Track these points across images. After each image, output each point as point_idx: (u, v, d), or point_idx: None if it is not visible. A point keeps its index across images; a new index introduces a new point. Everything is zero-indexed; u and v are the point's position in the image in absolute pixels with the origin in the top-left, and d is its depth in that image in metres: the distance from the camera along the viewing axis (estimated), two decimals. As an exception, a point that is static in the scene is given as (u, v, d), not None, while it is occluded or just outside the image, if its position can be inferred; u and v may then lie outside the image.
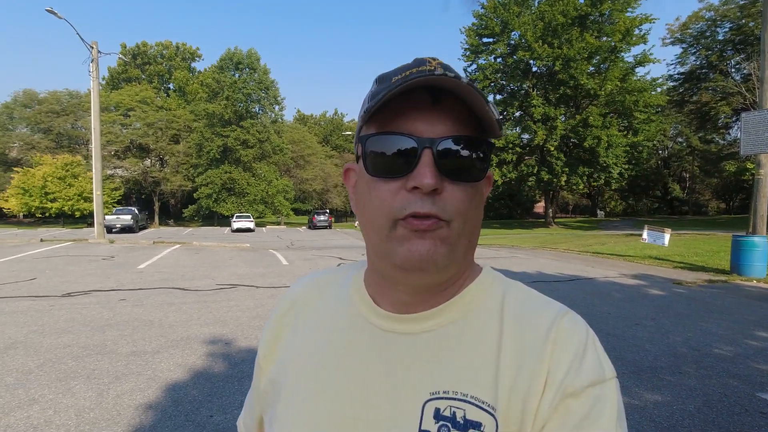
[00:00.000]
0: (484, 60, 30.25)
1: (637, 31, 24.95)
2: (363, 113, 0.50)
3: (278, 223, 51.46)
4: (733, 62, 30.73)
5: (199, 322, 5.52)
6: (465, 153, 0.48)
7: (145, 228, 32.85)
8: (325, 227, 38.94)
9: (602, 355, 0.51)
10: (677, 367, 4.08)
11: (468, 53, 31.02)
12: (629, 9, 25.41)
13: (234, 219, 34.55)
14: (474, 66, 31.09)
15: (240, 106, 45.66)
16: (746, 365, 4.17)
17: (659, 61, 28.70)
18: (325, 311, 0.63)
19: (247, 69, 46.47)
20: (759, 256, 8.88)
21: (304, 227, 43.45)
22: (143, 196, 47.06)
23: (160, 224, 44.47)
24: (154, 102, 46.46)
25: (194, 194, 44.94)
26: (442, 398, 0.50)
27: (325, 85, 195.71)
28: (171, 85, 58.15)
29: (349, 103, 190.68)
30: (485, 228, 30.11)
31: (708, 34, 31.86)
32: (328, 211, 44.55)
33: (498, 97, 30.66)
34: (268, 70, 47.50)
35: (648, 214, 42.31)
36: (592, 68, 25.91)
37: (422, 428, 0.49)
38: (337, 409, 0.54)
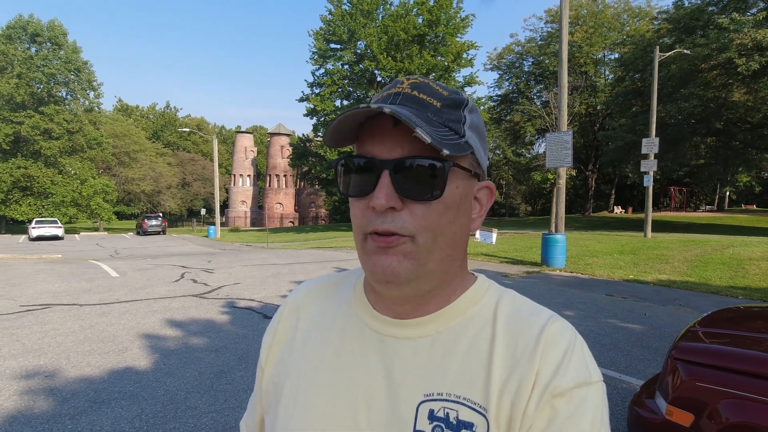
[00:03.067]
0: (332, 65, 30.83)
1: (465, 55, 28.41)
2: (324, 139, 0.56)
3: (96, 229, 44.20)
4: (535, 90, 37.31)
5: (1, 355, 4.35)
6: (418, 173, 0.50)
7: None
8: (157, 233, 34.89)
9: (589, 359, 0.54)
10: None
11: (316, 57, 31.24)
12: (459, 35, 28.73)
13: (33, 225, 28.48)
14: (322, 70, 31.44)
15: (39, 88, 37.75)
16: (563, 340, 5.04)
17: (483, 83, 33.03)
18: (326, 315, 0.65)
19: (48, 44, 38.70)
20: (560, 250, 10.86)
21: (130, 233, 38.21)
22: None
23: None
24: None
25: (-30, 194, 35.56)
26: (436, 400, 0.53)
27: (153, 73, 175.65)
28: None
29: (183, 95, 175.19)
30: (332, 231, 30.64)
31: (517, 65, 38.08)
32: (160, 214, 40.02)
33: (345, 102, 31.51)
34: (79, 48, 40.31)
35: (474, 217, 48.25)
36: (429, 84, 28.57)
37: (417, 428, 0.52)
38: (337, 411, 0.56)
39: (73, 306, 6.57)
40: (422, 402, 0.53)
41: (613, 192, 41.62)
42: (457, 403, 0.52)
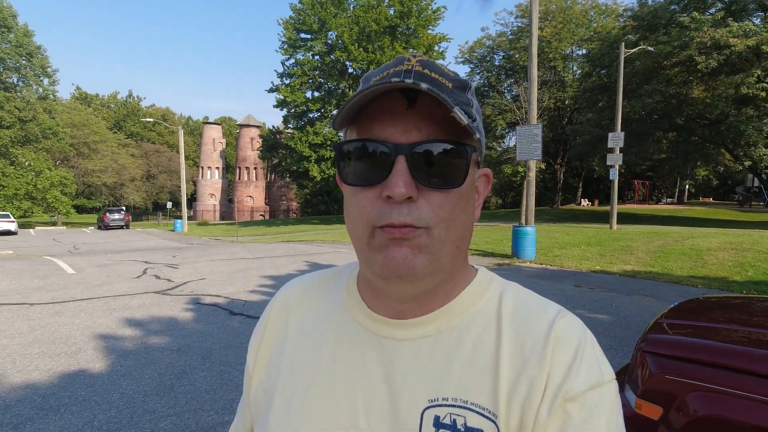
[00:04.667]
0: (303, 55, 30.27)
1: (437, 48, 28.44)
2: (333, 121, 0.50)
3: (54, 224, 42.22)
4: (506, 84, 37.72)
5: (-61, 360, 4.02)
6: (439, 159, 0.47)
7: None
8: (120, 227, 33.69)
9: (600, 357, 0.52)
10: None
11: (286, 47, 30.58)
12: (430, 27, 28.72)
13: None
14: (292, 61, 30.83)
15: (-14, 73, 35.63)
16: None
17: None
18: (318, 316, 0.61)
19: (-4, 26, 36.47)
20: (530, 242, 11.01)
21: (91, 228, 36.70)
22: None
23: None
24: None
25: None
26: (441, 405, 0.50)
27: (114, 61, 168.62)
28: None
29: (146, 84, 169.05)
30: (303, 224, 30.27)
31: (488, 59, 38.36)
32: (123, 208, 38.62)
33: (316, 94, 31.02)
34: (32, 32, 38.10)
35: (445, 209, 48.77)
36: (401, 76, 28.49)
37: None
38: (334, 418, 0.53)
39: (23, 305, 6.17)
40: (427, 408, 0.50)
41: (581, 185, 42.75)
42: (464, 408, 0.49)
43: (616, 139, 16.34)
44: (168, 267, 10.09)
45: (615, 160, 16.44)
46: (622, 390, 2.25)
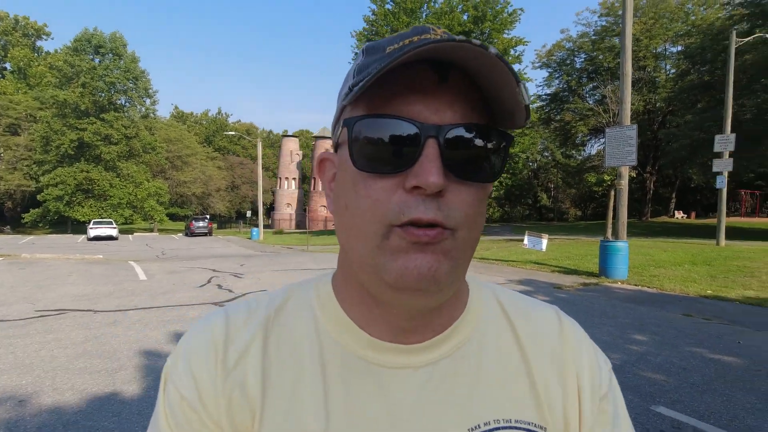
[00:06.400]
0: (374, 67, 30.40)
1: (513, 52, 27.08)
2: (347, 90, 0.40)
3: (150, 230, 46.09)
4: (587, 88, 35.11)
5: (-11, 370, 3.96)
6: (480, 146, 0.39)
7: (-34, 236, 26.61)
8: (204, 234, 35.83)
9: (598, 349, 0.53)
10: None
11: (358, 59, 30.95)
12: (506, 31, 27.48)
13: (91, 225, 29.85)
14: (364, 72, 31.10)
15: (101, 96, 39.92)
16: (633, 373, 4.07)
17: (532, 80, 31.43)
18: (293, 361, 0.46)
19: (110, 54, 40.90)
20: (621, 259, 9.62)
21: (180, 234, 39.45)
22: (-33, 198, 38.52)
23: (-8, 232, 36.85)
24: (-17, 83, 38.45)
25: (38, 196, 37.87)
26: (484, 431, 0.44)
27: (207, 82, 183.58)
28: (8, 65, 49.00)
29: (233, 102, 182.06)
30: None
31: (568, 62, 36.02)
32: (208, 216, 41.22)
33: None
34: (138, 58, 42.46)
35: (521, 221, 46.46)
36: (475, 83, 27.52)
37: None
38: None
39: (87, 312, 6.23)
40: None
41: (674, 196, 38.53)
42: (510, 428, 0.44)
43: (725, 142, 14.17)
44: (233, 276, 10.08)
45: (723, 166, 14.24)
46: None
